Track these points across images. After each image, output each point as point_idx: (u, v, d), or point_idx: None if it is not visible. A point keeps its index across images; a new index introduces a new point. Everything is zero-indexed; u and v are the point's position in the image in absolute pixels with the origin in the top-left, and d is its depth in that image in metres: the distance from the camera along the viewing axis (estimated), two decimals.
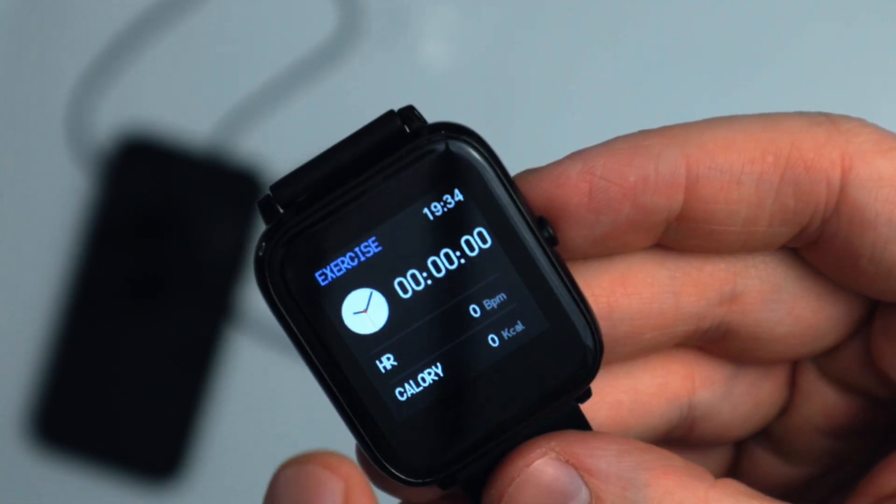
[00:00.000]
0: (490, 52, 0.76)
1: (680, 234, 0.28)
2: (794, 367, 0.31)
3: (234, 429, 0.75)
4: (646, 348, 0.30)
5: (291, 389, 0.70)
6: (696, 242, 0.28)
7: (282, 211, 0.27)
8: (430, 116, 0.28)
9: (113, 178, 0.75)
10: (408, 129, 0.26)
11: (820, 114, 0.28)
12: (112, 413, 0.74)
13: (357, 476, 0.28)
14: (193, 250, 0.74)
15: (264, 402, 0.75)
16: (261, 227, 0.74)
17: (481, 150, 0.26)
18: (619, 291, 0.29)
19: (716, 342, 0.30)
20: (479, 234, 0.26)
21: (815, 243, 0.28)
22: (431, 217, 0.26)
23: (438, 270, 0.27)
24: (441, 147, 0.26)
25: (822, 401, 0.31)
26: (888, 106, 0.74)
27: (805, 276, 0.29)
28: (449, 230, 0.26)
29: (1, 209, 0.77)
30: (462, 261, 0.27)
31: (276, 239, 0.27)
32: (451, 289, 0.27)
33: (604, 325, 0.28)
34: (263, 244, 0.27)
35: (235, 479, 0.75)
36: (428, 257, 0.27)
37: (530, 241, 0.27)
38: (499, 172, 0.27)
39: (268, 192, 0.27)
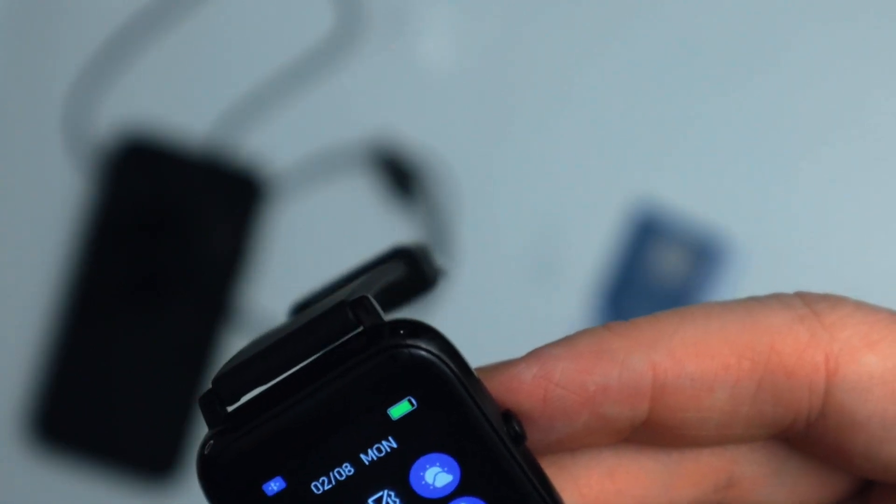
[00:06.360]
0: (490, 52, 0.76)
1: (648, 436, 0.26)
2: None
3: None
4: None
5: None
6: (667, 442, 0.27)
7: (227, 410, 0.26)
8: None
9: (112, 178, 0.75)
10: (362, 326, 0.25)
11: (804, 302, 0.26)
12: (111, 413, 0.74)
13: None
14: (192, 250, 0.74)
15: None
16: (261, 228, 0.75)
17: (440, 353, 0.25)
18: (608, 489, 0.27)
19: None
20: (438, 439, 0.25)
21: (804, 439, 0.27)
22: (388, 423, 0.25)
23: (396, 478, 0.25)
24: (400, 353, 0.25)
25: None
26: (888, 106, 0.74)
27: (805, 458, 0.27)
28: (406, 437, 0.25)
29: None
30: (420, 466, 0.25)
31: (224, 444, 0.26)
32: (412, 493, 0.25)
33: None
34: (210, 442, 0.26)
35: None
36: (388, 465, 0.25)
37: (493, 441, 0.25)
38: (459, 374, 0.25)
39: (209, 386, 0.26)
